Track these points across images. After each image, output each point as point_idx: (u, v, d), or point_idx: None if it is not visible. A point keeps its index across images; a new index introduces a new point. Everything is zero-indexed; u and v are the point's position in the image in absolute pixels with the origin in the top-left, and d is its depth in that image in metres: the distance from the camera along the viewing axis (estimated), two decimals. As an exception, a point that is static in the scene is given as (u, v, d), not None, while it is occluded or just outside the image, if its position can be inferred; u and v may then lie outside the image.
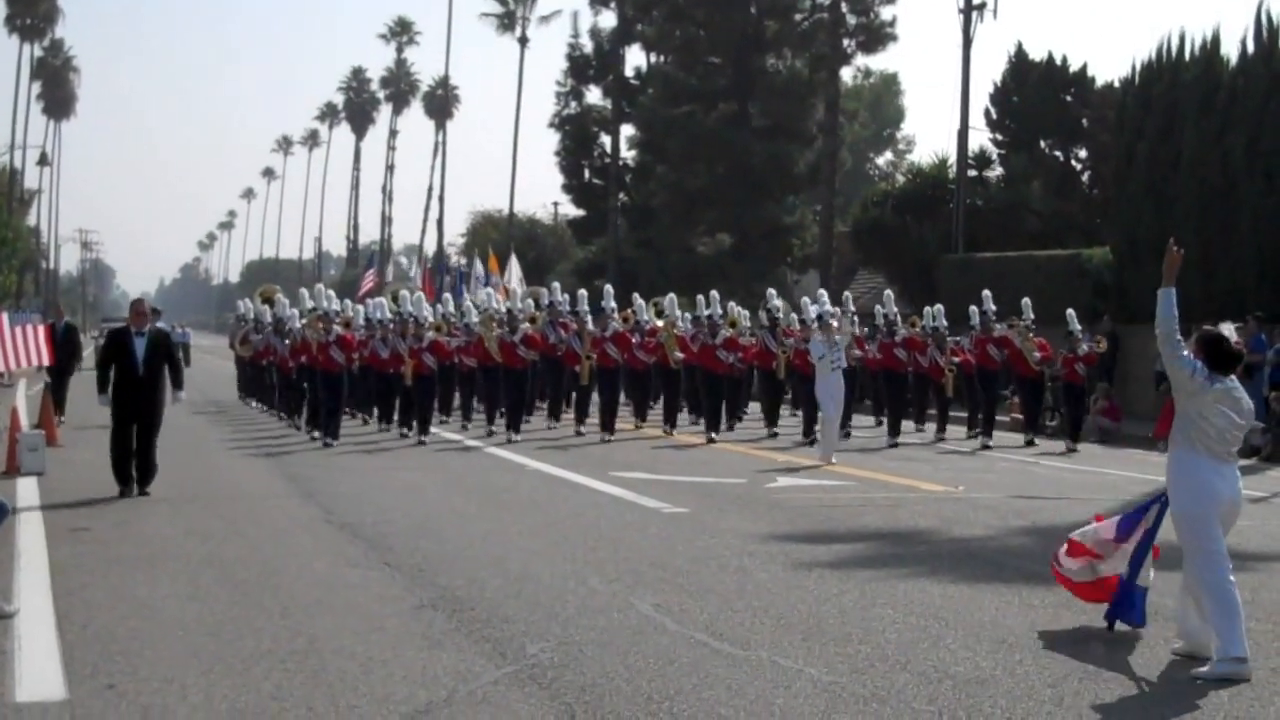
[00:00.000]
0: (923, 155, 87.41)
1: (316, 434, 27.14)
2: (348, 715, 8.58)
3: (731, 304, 33.05)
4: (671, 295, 33.71)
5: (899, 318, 30.82)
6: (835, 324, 25.99)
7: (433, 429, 28.79)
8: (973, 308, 30.10)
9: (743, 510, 18.06)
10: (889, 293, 32.60)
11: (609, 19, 69.54)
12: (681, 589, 12.49)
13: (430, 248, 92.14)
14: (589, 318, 30.21)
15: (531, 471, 22.40)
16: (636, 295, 34.13)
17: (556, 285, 34.74)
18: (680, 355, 30.09)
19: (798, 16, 65.75)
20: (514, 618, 11.25)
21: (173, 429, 19.84)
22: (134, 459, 18.44)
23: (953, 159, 51.66)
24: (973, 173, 51.46)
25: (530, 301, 33.15)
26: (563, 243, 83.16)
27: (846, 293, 28.28)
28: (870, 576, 13.25)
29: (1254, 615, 11.37)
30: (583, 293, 31.55)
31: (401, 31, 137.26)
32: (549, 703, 8.85)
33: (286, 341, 31.16)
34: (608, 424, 28.66)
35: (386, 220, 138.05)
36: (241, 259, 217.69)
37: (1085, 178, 53.04)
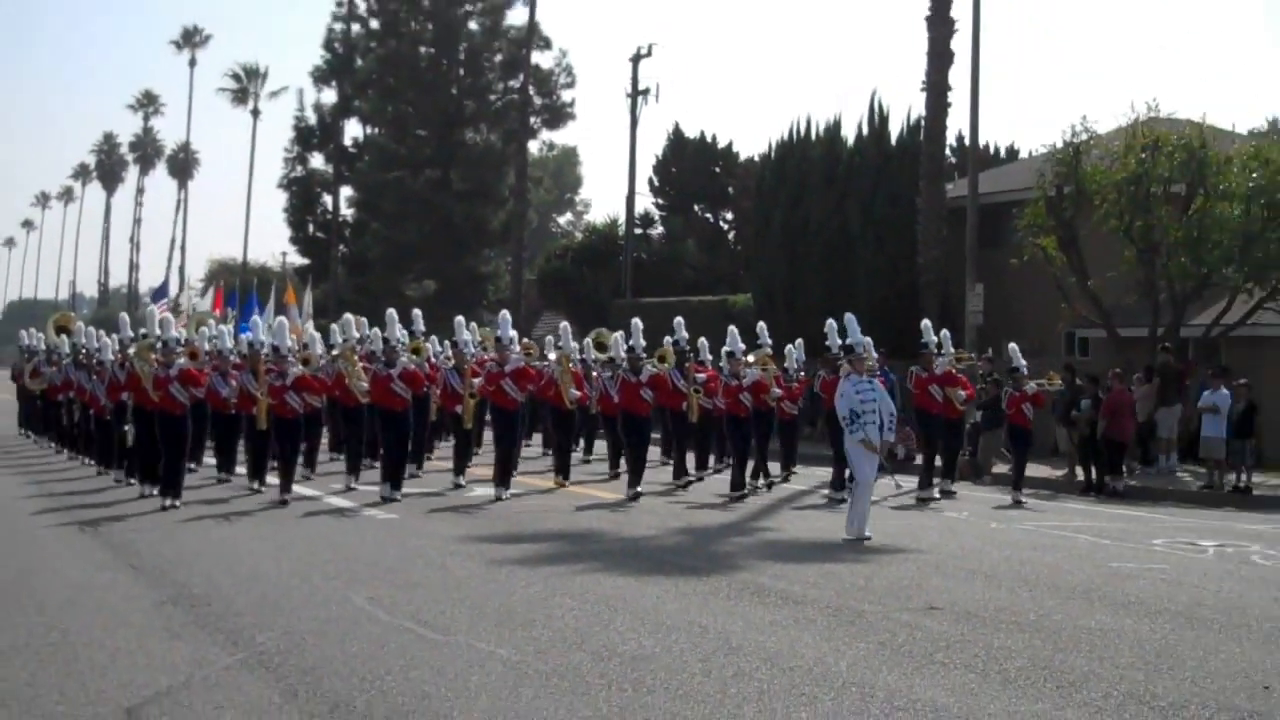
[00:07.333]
0: (597, 216, 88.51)
1: (147, 489, 19.67)
2: (96, 699, 8.27)
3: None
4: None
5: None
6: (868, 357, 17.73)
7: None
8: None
9: (445, 516, 17.95)
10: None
11: (330, 95, 68.73)
12: (392, 584, 12.36)
13: (173, 291, 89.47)
14: (468, 349, 23.03)
15: (265, 485, 21.20)
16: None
17: (506, 315, 22.50)
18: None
19: (492, 97, 66.10)
20: (244, 611, 11.00)
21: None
22: None
23: (622, 219, 52.37)
24: (639, 231, 52.17)
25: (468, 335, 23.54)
26: (288, 287, 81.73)
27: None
28: (552, 571, 13.28)
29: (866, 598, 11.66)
30: (506, 314, 22.63)
31: (148, 103, 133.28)
32: (275, 684, 8.67)
33: (95, 377, 23.33)
34: (636, 474, 20.70)
35: (134, 267, 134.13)
36: (3, 299, 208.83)
37: (731, 237, 54.30)
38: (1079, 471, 24.44)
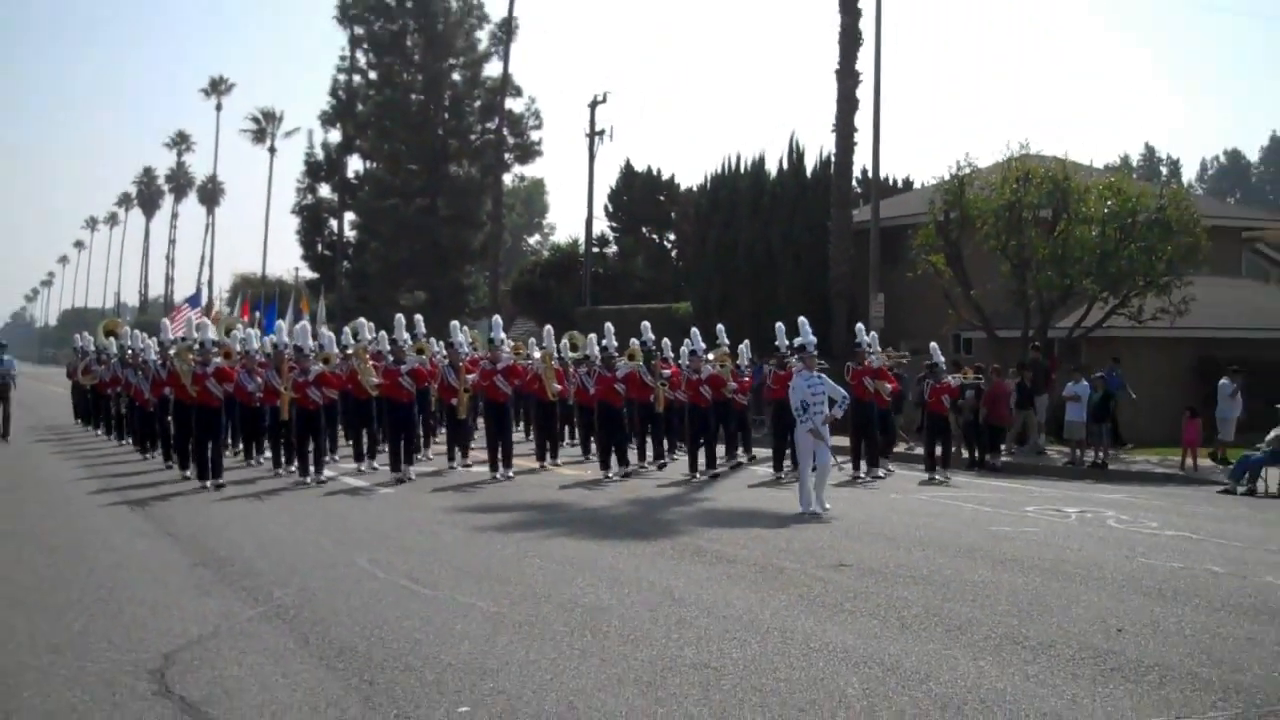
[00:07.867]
0: (561, 237, 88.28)
1: (188, 474, 19.15)
2: (138, 646, 8.24)
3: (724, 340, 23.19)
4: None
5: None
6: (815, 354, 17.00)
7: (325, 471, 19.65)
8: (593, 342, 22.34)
9: (437, 492, 17.89)
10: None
11: (335, 135, 68.37)
12: (389, 548, 12.33)
13: (203, 300, 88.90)
14: (463, 349, 22.26)
15: (287, 469, 20.52)
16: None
17: (498, 319, 22.96)
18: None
19: (472, 137, 66.00)
20: (264, 571, 10.97)
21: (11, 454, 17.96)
22: None
23: (582, 240, 52.26)
24: (596, 249, 52.11)
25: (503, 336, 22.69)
26: (302, 298, 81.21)
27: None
28: (525, 536, 13.28)
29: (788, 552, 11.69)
30: (499, 319, 22.84)
31: (181, 141, 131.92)
32: (290, 633, 8.64)
33: (140, 374, 23.11)
34: (608, 460, 20.49)
35: (169, 280, 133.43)
36: (59, 308, 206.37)
37: (673, 254, 54.19)
38: (964, 451, 24.57)
